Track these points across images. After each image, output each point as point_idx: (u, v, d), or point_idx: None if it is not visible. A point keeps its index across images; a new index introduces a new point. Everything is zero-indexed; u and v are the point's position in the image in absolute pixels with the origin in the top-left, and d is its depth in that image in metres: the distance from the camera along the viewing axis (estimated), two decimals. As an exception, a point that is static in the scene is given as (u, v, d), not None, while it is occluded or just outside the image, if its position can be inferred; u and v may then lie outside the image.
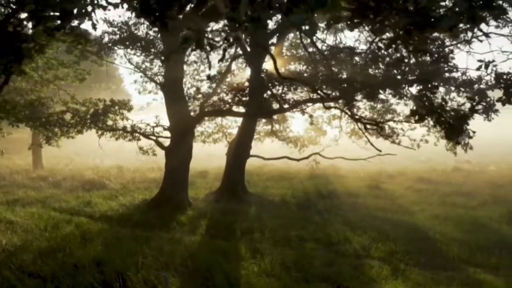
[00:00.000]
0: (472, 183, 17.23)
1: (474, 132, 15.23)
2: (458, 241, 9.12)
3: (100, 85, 42.04)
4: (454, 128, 3.48)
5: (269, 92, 12.27)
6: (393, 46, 3.30)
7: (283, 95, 11.18)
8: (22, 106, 12.01)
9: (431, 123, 15.92)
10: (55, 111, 14.25)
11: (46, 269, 6.80)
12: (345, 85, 8.92)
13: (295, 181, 18.58)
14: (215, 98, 11.95)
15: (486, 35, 5.60)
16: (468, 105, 7.58)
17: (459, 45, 15.75)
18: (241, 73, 18.48)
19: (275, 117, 20.32)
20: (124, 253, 7.42)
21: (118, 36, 13.76)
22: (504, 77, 5.04)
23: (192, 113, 13.19)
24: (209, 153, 25.82)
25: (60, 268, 6.81)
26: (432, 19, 2.55)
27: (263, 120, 20.66)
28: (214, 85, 12.15)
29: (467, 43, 11.46)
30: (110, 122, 13.82)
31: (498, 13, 2.70)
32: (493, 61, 4.73)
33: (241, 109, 12.92)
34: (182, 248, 8.11)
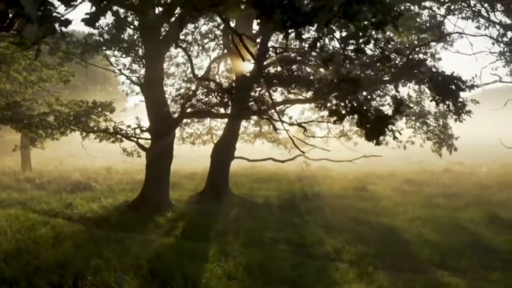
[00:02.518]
0: (459, 185, 17.10)
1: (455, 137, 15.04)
2: (432, 243, 9.01)
3: (96, 87, 42.22)
4: (374, 129, 3.40)
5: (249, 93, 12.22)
6: (317, 44, 3.25)
7: (262, 96, 11.15)
8: (0, 108, 12.02)
9: (418, 124, 16.01)
10: (40, 112, 14.30)
11: (8, 271, 6.78)
12: (317, 85, 8.86)
13: (283, 183, 18.51)
14: (194, 100, 11.92)
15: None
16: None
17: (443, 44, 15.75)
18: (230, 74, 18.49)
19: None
20: (89, 255, 7.38)
21: (101, 37, 13.77)
22: (439, 78, 4.93)
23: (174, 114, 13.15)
24: (201, 155, 25.79)
25: (22, 270, 6.78)
26: (305, 15, 2.49)
27: (252, 122, 20.68)
28: (193, 86, 12.15)
29: (437, 42, 11.36)
30: (92, 124, 13.86)
31: (380, 9, 2.63)
32: (425, 59, 4.64)
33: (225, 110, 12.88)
34: (150, 250, 8.07)
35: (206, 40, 18.25)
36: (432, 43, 17.04)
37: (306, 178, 19.54)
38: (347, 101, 3.61)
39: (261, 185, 17.76)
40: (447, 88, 4.48)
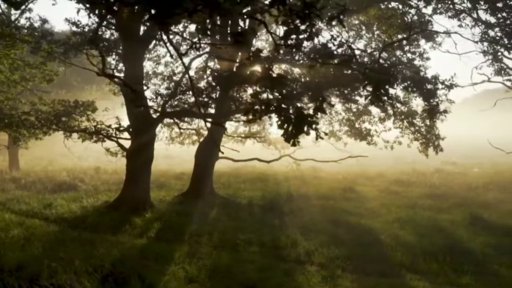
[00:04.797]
0: (448, 185, 16.91)
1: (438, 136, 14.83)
2: (408, 246, 8.85)
3: (92, 87, 42.19)
4: (293, 129, 3.23)
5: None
6: (239, 39, 3.11)
7: (237, 95, 11.01)
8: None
9: (405, 124, 15.81)
10: (22, 111, 14.22)
11: (-35, 273, 6.66)
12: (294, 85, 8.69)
13: (271, 183, 18.37)
14: (173, 100, 11.80)
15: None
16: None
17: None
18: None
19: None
20: (51, 257, 7.24)
21: (82, 37, 13.67)
22: (373, 75, 4.76)
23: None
24: (193, 155, 25.69)
25: (-21, 272, 6.66)
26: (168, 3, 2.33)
27: (241, 122, 20.52)
28: (172, 85, 12.02)
29: (406, 40, 11.16)
30: (75, 123, 13.76)
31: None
32: (355, 55, 4.47)
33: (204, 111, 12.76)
34: (117, 251, 7.93)
35: (195, 39, 18.11)
36: (421, 42, 16.88)
37: (295, 179, 19.39)
38: (264, 99, 3.46)
39: (248, 186, 17.64)
40: (380, 86, 4.30)
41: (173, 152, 27.71)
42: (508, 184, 16.15)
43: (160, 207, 12.83)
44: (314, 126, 3.33)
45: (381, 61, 13.34)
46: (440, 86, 10.25)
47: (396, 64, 10.79)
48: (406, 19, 14.95)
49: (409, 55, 16.21)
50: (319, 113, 3.70)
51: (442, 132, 15.01)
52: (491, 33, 11.75)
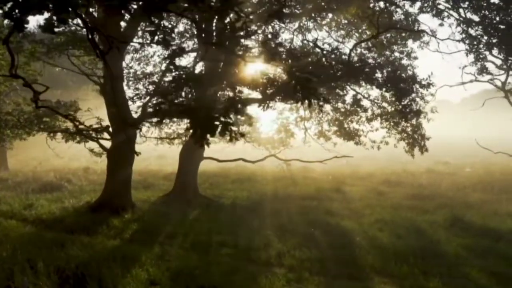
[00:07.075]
0: (437, 186, 16.74)
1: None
2: (382, 248, 8.70)
3: (88, 86, 42.15)
4: (202, 130, 3.11)
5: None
6: (155, 37, 3.00)
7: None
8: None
9: (391, 123, 15.64)
10: (6, 111, 14.19)
11: None
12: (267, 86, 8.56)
13: (259, 184, 18.25)
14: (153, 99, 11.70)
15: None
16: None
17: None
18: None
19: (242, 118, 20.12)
20: (18, 259, 7.18)
21: (65, 37, 13.62)
22: (297, 74, 4.59)
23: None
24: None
25: None
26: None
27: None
28: (150, 86, 11.94)
29: (374, 38, 11.01)
30: (57, 123, 13.72)
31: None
32: (282, 52, 4.35)
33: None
34: (85, 253, 7.84)
35: (183, 39, 18.07)
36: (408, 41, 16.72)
37: (284, 179, 19.26)
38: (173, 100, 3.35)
39: (236, 186, 17.54)
40: (304, 85, 4.10)
41: (167, 151, 27.60)
42: (496, 184, 15.97)
43: (142, 207, 12.76)
44: (229, 127, 3.23)
45: (373, 60, 13.25)
46: (416, 85, 10.11)
47: (367, 63, 10.64)
48: (393, 17, 14.86)
49: (396, 54, 16.14)
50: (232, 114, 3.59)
51: (438, 132, 14.88)
52: (472, 32, 11.58)
